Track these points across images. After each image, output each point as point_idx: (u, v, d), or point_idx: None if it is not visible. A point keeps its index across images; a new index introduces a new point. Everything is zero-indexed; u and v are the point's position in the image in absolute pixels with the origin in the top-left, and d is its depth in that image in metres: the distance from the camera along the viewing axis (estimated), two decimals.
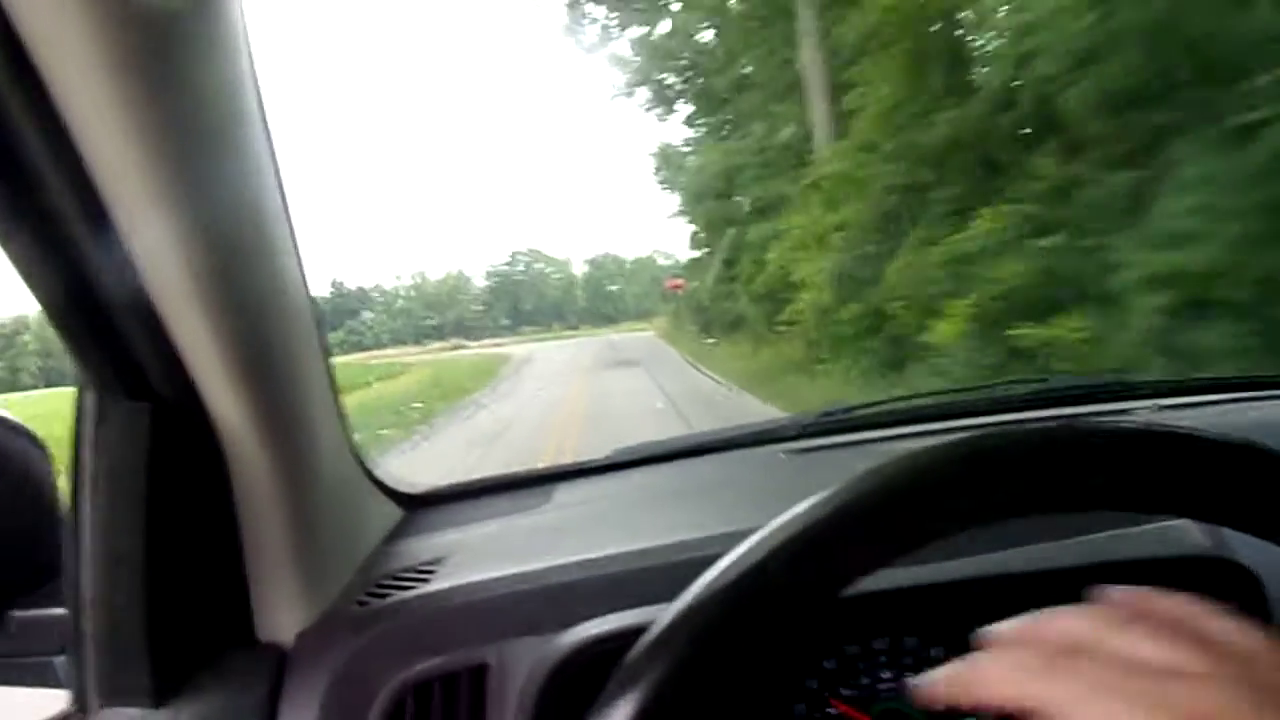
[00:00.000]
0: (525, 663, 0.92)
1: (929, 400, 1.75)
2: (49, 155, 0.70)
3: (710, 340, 26.35)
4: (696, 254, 33.12)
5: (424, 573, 1.12)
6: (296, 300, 0.97)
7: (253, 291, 0.88)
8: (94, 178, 0.72)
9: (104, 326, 0.81)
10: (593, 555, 1.06)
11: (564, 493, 1.50)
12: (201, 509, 0.93)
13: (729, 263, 23.52)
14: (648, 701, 0.48)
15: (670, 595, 0.94)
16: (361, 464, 1.27)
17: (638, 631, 0.89)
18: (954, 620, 0.94)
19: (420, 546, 1.26)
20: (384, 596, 1.07)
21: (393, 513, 1.40)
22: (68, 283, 0.77)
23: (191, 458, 0.91)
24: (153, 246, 0.77)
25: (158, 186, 0.73)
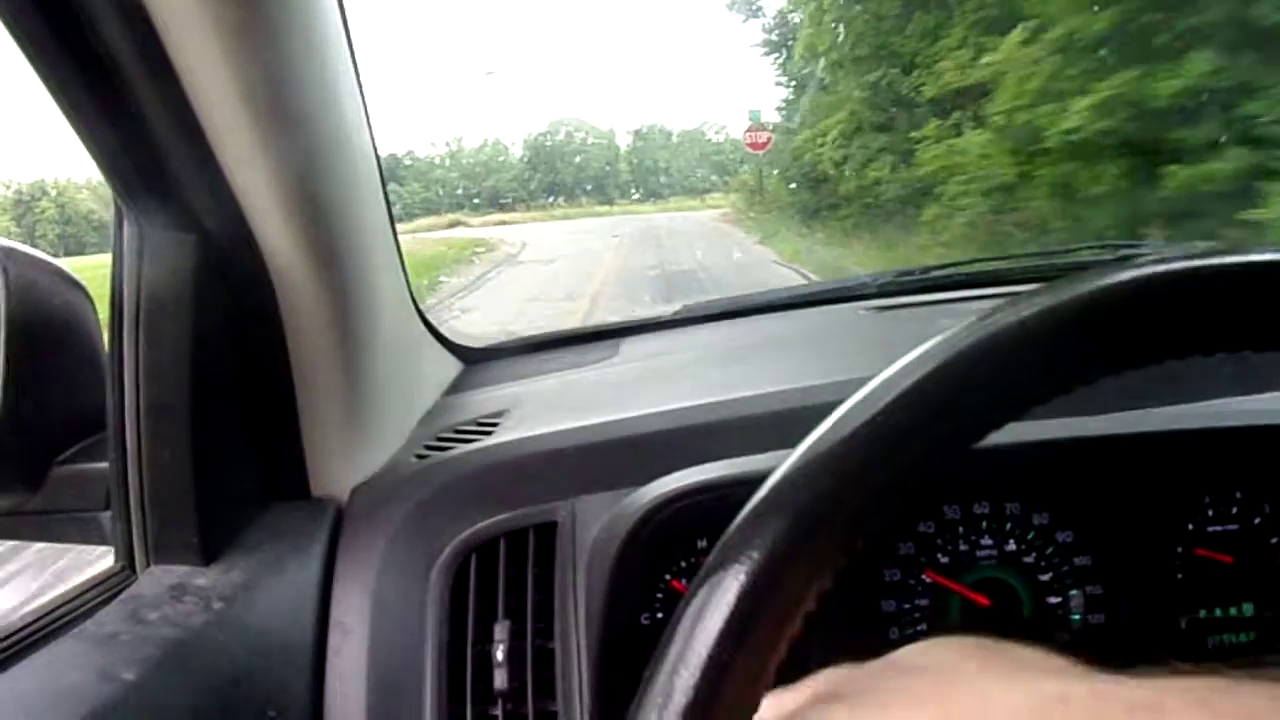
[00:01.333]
0: (598, 519, 0.86)
1: (1010, 263, 1.66)
2: None
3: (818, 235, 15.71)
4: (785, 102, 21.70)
5: (487, 425, 1.07)
6: (359, 144, 0.90)
7: (313, 124, 0.80)
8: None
9: (144, 145, 0.73)
10: (667, 408, 0.99)
11: (630, 347, 1.43)
12: (251, 354, 0.87)
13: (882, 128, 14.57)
14: (766, 561, 0.40)
15: (755, 448, 0.88)
16: (421, 314, 1.21)
17: (727, 485, 0.83)
18: (1057, 484, 0.88)
19: (482, 399, 1.20)
20: (445, 449, 1.01)
21: (453, 366, 1.35)
22: (105, 101, 0.69)
23: (241, 297, 0.84)
24: (200, 63, 0.69)
25: (214, 9, 0.66)
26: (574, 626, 0.83)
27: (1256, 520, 0.89)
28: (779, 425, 0.89)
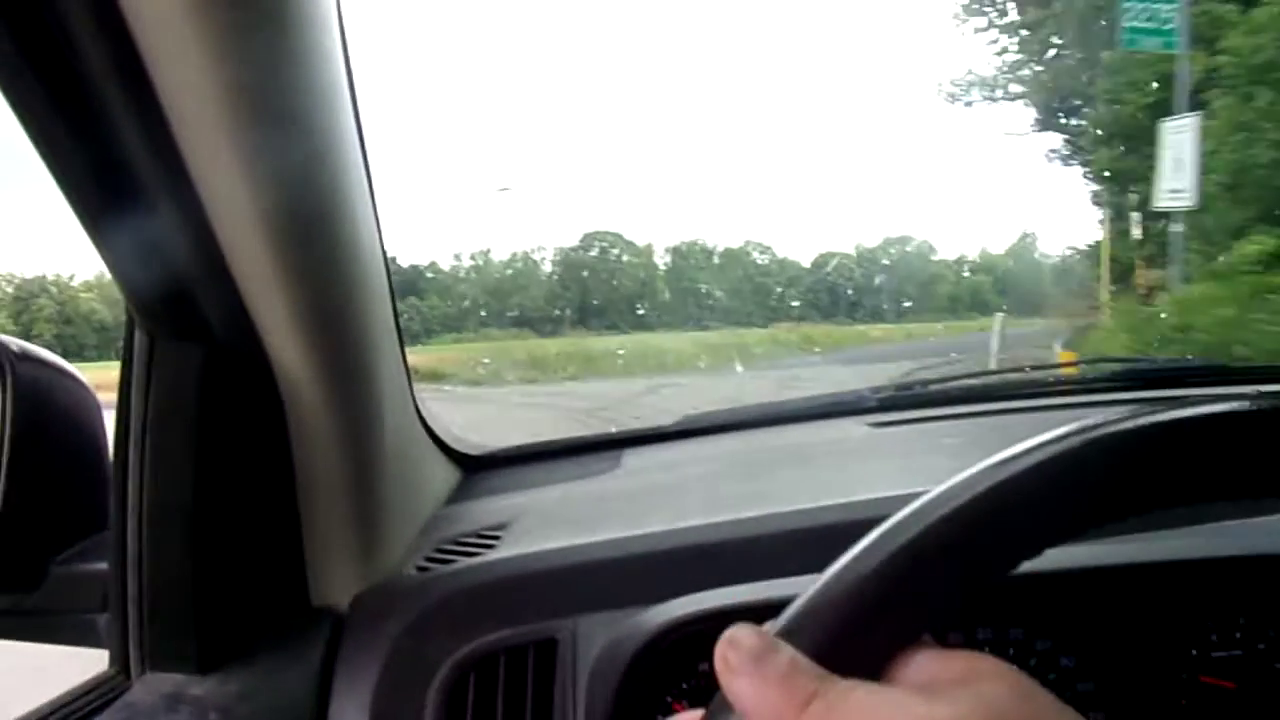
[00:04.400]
0: (600, 638, 0.85)
1: (1014, 377, 1.68)
2: (120, 90, 0.64)
3: None
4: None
5: (489, 538, 1.06)
6: (370, 250, 0.91)
7: (324, 235, 0.82)
8: (164, 111, 0.66)
9: (158, 257, 0.74)
10: (674, 526, 0.99)
11: (632, 458, 1.42)
12: (256, 461, 0.87)
13: None
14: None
15: (762, 570, 0.88)
16: (424, 421, 1.21)
17: (736, 613, 0.83)
18: (1060, 611, 0.87)
19: (483, 510, 1.19)
20: (446, 562, 1.01)
21: (453, 474, 1.34)
22: (121, 208, 0.71)
23: (247, 405, 0.85)
24: (218, 178, 0.71)
25: (230, 124, 0.67)
26: None
27: (1260, 646, 0.88)
28: (786, 547, 0.89)
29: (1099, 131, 14.73)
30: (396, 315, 1.04)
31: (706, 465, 1.36)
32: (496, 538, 1.06)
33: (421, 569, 1.00)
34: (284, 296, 0.79)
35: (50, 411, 0.91)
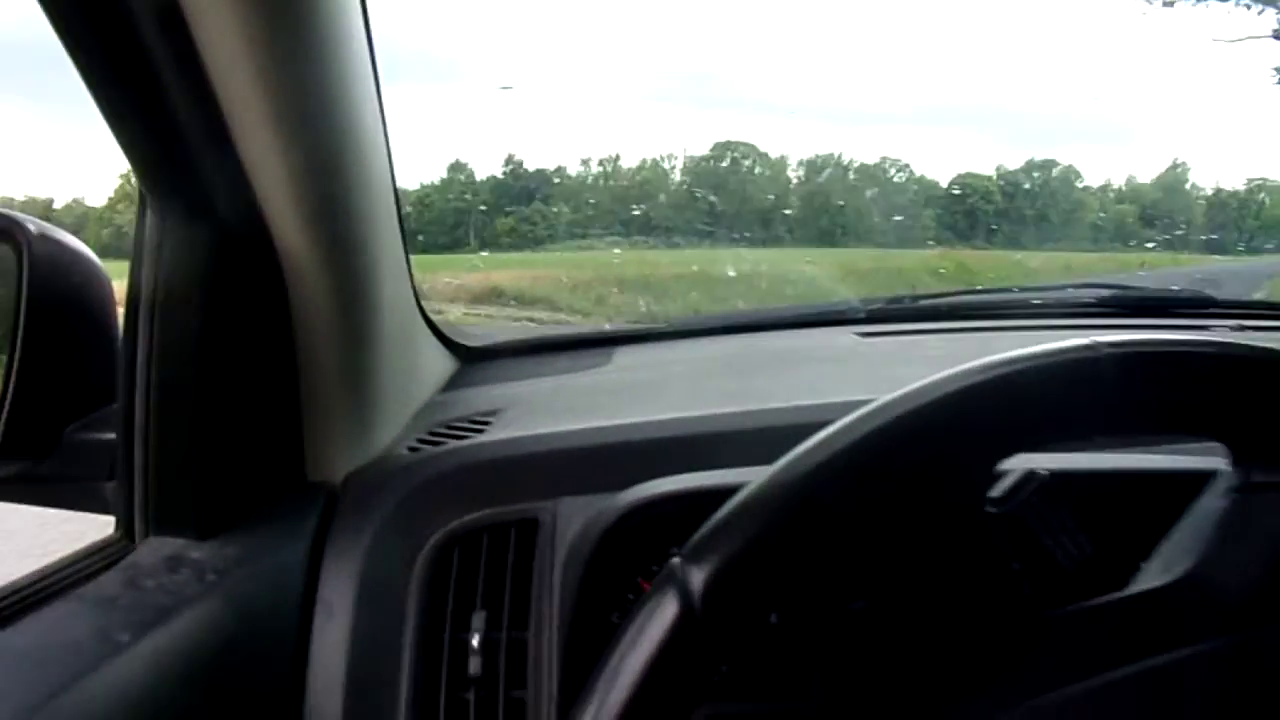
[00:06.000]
0: (578, 520, 0.90)
1: (999, 296, 1.70)
2: None
3: None
4: None
5: (479, 423, 1.11)
6: (373, 140, 0.94)
7: (330, 122, 0.85)
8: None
9: (171, 140, 0.77)
10: (655, 417, 1.03)
11: (624, 355, 1.47)
12: (259, 341, 0.91)
13: None
14: (730, 565, 0.45)
15: (737, 462, 0.91)
16: (423, 311, 1.25)
17: (701, 495, 0.87)
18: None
19: (477, 397, 1.24)
20: (437, 444, 1.05)
21: (450, 363, 1.39)
22: (137, 96, 0.74)
23: (252, 287, 0.88)
24: (229, 64, 0.73)
25: (241, 12, 0.70)
26: (547, 620, 0.87)
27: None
28: (762, 441, 0.92)
29: None
30: (400, 207, 1.07)
31: (693, 364, 1.40)
32: (487, 423, 1.10)
33: (413, 449, 1.05)
34: (290, 182, 0.82)
35: (65, 289, 0.94)
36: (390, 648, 0.88)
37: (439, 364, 1.35)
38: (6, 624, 0.72)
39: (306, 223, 0.86)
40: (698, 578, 0.45)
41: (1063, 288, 1.76)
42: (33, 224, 0.93)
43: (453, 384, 1.33)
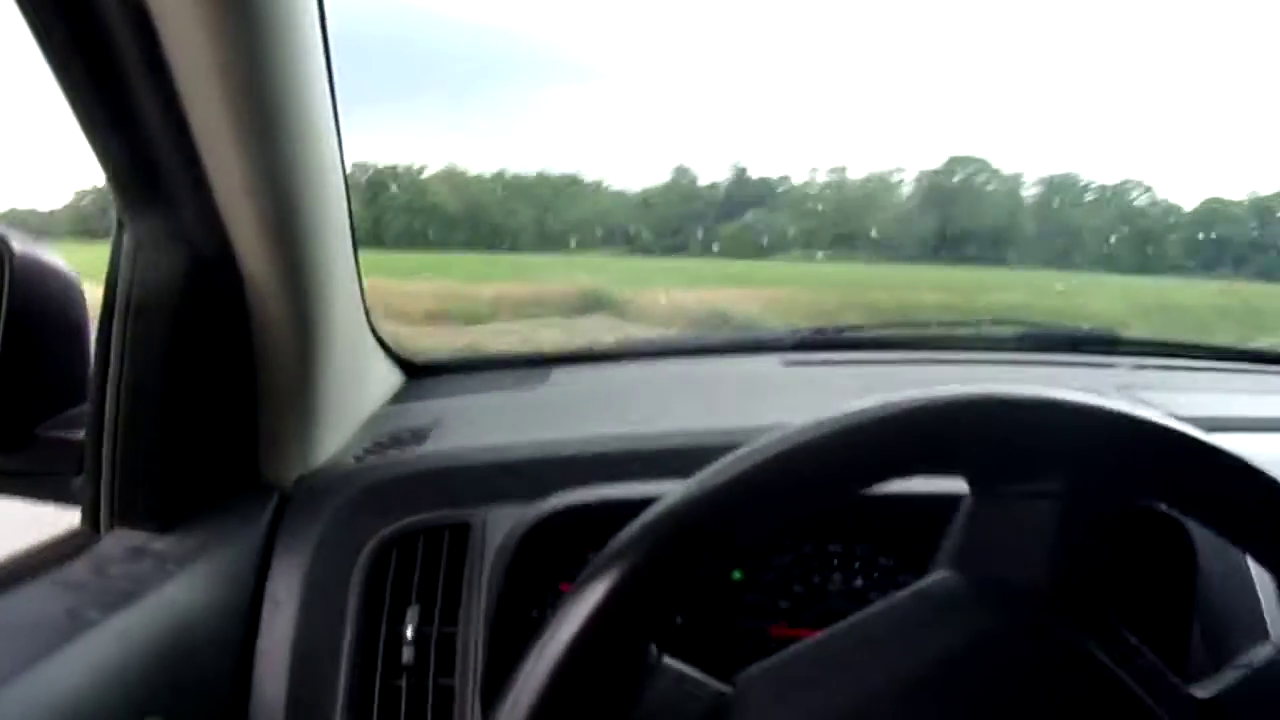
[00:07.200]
0: (504, 526, 0.98)
1: (919, 332, 1.78)
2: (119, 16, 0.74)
3: None
4: None
5: (420, 435, 1.19)
6: (331, 175, 1.01)
7: (292, 159, 0.91)
8: (163, 46, 0.76)
9: (153, 172, 0.85)
10: (581, 434, 1.12)
11: (561, 375, 1.55)
12: (222, 353, 0.98)
13: None
14: (631, 577, 0.50)
15: (655, 478, 0.99)
16: (373, 330, 1.33)
17: (616, 505, 0.96)
18: (906, 532, 0.98)
19: (420, 410, 1.32)
20: (381, 453, 1.13)
21: (398, 377, 1.47)
22: (118, 124, 0.81)
23: (216, 304, 0.95)
24: (208, 114, 0.81)
25: (220, 61, 0.78)
26: (475, 616, 0.95)
27: None
28: (681, 460, 1.00)
29: None
30: (353, 224, 1.13)
31: (623, 386, 1.49)
32: (427, 435, 1.18)
33: (358, 458, 1.12)
34: (252, 205, 0.89)
35: (42, 297, 1.01)
36: (332, 637, 0.95)
37: (386, 378, 1.42)
38: None
39: (267, 241, 0.93)
40: (608, 582, 0.50)
41: (979, 324, 1.83)
42: (15, 236, 0.99)
43: (399, 397, 1.41)
